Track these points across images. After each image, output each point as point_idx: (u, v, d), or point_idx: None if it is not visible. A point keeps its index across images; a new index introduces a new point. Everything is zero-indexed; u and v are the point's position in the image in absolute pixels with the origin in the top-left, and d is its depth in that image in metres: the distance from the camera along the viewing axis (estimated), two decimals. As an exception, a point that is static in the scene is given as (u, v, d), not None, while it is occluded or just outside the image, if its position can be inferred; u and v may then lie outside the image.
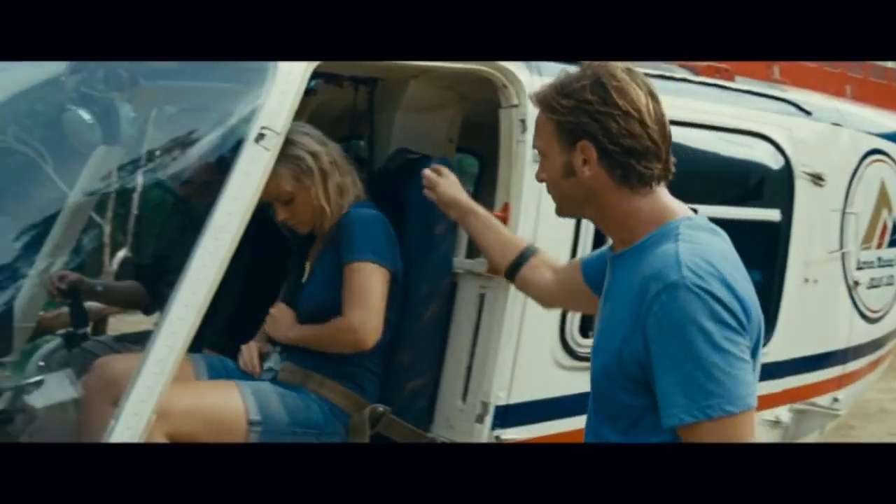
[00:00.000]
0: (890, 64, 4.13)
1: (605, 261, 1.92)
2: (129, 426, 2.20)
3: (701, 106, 3.19)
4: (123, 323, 5.61)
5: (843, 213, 3.66)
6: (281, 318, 2.82)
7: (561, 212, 1.92)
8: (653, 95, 1.79)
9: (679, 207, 1.82)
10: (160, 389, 2.23)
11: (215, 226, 2.27)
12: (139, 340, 3.47)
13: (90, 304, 3.49)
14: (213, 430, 2.54)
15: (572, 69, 1.83)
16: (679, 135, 3.08)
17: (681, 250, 1.67)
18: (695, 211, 1.84)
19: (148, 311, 3.63)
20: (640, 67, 3.03)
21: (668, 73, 3.21)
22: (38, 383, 2.68)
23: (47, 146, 2.89)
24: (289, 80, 2.37)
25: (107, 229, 7.61)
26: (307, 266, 2.91)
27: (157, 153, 2.80)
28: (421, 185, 2.93)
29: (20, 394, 2.69)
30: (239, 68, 2.42)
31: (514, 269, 2.34)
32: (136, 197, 3.28)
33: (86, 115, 2.65)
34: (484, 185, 4.30)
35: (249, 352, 2.87)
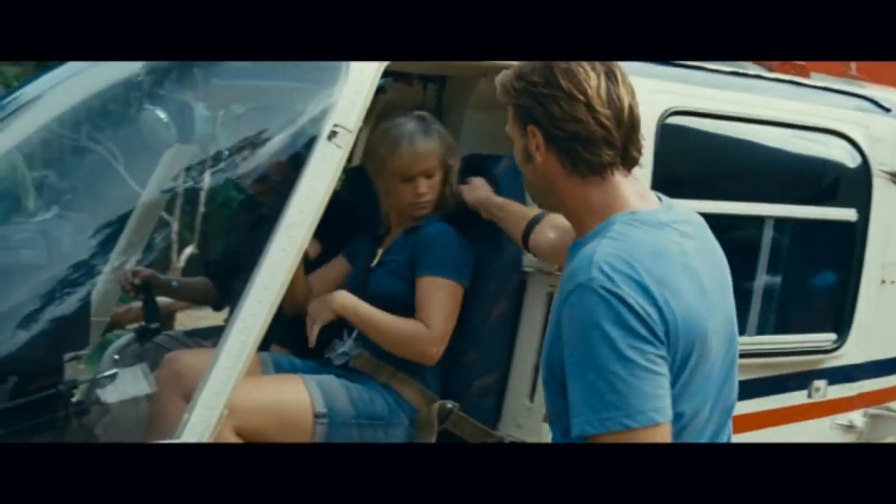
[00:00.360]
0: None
1: None
2: (203, 419, 2.24)
3: (775, 103, 3.13)
4: (189, 318, 5.71)
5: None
6: (323, 299, 2.79)
7: (534, 200, 1.90)
8: (612, 76, 1.70)
9: (633, 199, 1.72)
10: (232, 384, 2.26)
11: (288, 223, 2.29)
12: (209, 335, 3.53)
13: (160, 300, 3.55)
14: (280, 423, 2.58)
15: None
16: (752, 132, 3.10)
17: (599, 249, 1.60)
18: (660, 199, 1.77)
19: (217, 307, 3.68)
20: (715, 64, 3.02)
21: (741, 70, 3.16)
22: (113, 377, 2.74)
23: (122, 145, 2.96)
24: (361, 78, 2.39)
25: (175, 226, 7.76)
26: (378, 252, 2.93)
27: (230, 152, 2.85)
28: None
29: (95, 387, 2.75)
30: (311, 67, 2.44)
31: (526, 236, 2.40)
32: (202, 194, 3.34)
33: (161, 114, 2.70)
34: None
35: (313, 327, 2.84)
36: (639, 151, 1.75)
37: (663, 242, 1.65)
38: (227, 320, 3.45)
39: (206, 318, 5.91)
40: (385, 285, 2.83)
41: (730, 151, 3.06)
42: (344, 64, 2.38)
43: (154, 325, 3.27)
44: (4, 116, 2.75)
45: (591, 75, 1.68)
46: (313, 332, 2.76)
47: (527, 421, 2.78)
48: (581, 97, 1.66)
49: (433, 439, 2.68)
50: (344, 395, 2.68)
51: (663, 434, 1.56)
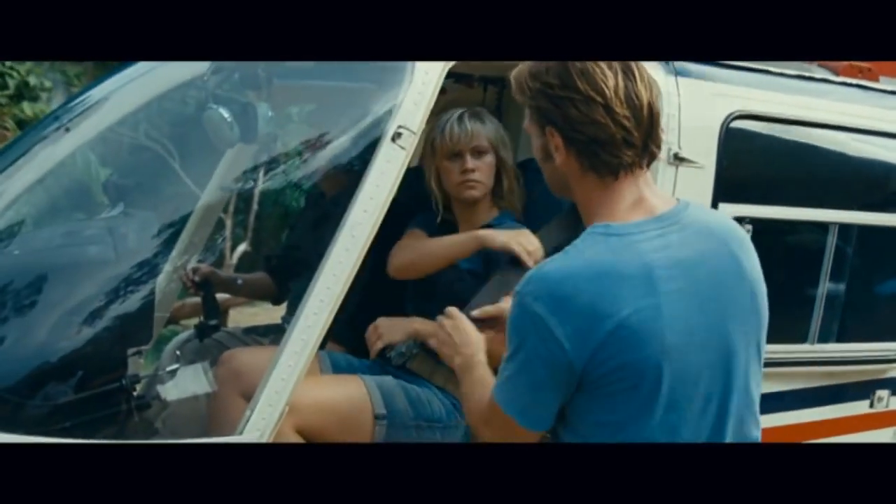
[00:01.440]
0: None
1: None
2: (264, 416, 2.26)
3: (841, 107, 3.08)
4: (241, 315, 5.77)
5: None
6: (392, 323, 2.73)
7: (556, 196, 1.89)
8: (629, 74, 1.69)
9: (626, 206, 1.72)
10: (294, 382, 2.28)
11: (352, 222, 2.30)
12: (267, 333, 3.57)
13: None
14: (341, 423, 2.59)
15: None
16: (818, 137, 3.04)
17: (548, 263, 1.67)
18: (677, 201, 1.77)
19: (276, 303, 3.72)
20: (781, 66, 2.97)
21: (807, 74, 3.11)
22: (174, 373, 2.78)
23: (186, 145, 3.00)
24: (426, 80, 2.40)
25: (228, 223, 7.86)
26: None
27: (293, 152, 2.88)
28: (543, 187, 2.92)
29: (157, 382, 2.79)
30: (376, 68, 2.45)
31: None
32: (262, 193, 3.38)
33: (225, 114, 2.73)
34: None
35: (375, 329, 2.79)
36: (658, 147, 1.74)
37: (616, 261, 1.65)
38: (284, 318, 3.50)
39: (257, 314, 5.96)
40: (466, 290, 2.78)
41: (794, 156, 3.02)
42: (409, 65, 2.39)
43: (213, 322, 3.31)
44: (75, 116, 2.79)
45: (608, 75, 1.66)
46: (376, 348, 2.70)
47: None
48: (599, 98, 1.65)
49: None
50: (403, 397, 2.69)
51: (521, 433, 1.74)
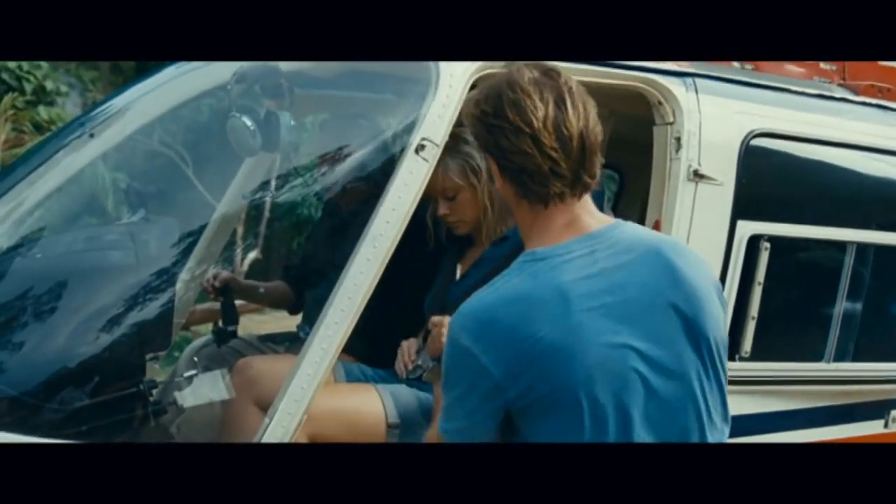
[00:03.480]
0: None
1: None
2: (283, 425, 2.28)
3: (860, 127, 3.09)
4: (251, 322, 5.81)
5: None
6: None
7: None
8: (561, 104, 1.70)
9: (556, 231, 1.74)
10: (313, 391, 2.30)
11: (373, 234, 2.32)
12: (282, 341, 3.59)
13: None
14: (354, 432, 2.61)
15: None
16: (837, 156, 3.05)
17: (475, 297, 1.74)
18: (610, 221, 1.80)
19: (293, 312, 3.73)
20: (801, 85, 2.98)
21: (827, 93, 3.12)
22: (191, 379, 2.79)
23: (207, 153, 3.02)
24: (449, 93, 2.41)
25: (239, 231, 7.90)
26: (458, 268, 2.93)
27: (315, 161, 2.90)
28: None
29: (174, 388, 2.80)
30: (400, 80, 2.48)
31: None
32: (279, 202, 3.40)
33: (248, 122, 2.75)
34: (624, 201, 4.26)
35: (409, 348, 2.86)
36: (592, 176, 1.75)
37: (535, 286, 1.69)
38: (299, 326, 3.52)
39: (266, 322, 5.99)
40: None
41: (813, 175, 3.02)
42: (433, 77, 2.41)
43: (232, 328, 3.33)
44: (99, 122, 2.82)
45: (538, 106, 1.67)
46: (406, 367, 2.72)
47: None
48: (527, 129, 1.68)
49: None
50: (416, 407, 2.70)
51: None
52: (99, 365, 2.54)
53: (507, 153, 1.70)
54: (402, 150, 2.37)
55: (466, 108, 1.80)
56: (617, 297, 1.69)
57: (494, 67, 2.54)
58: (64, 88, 11.11)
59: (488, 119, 1.71)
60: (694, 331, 1.73)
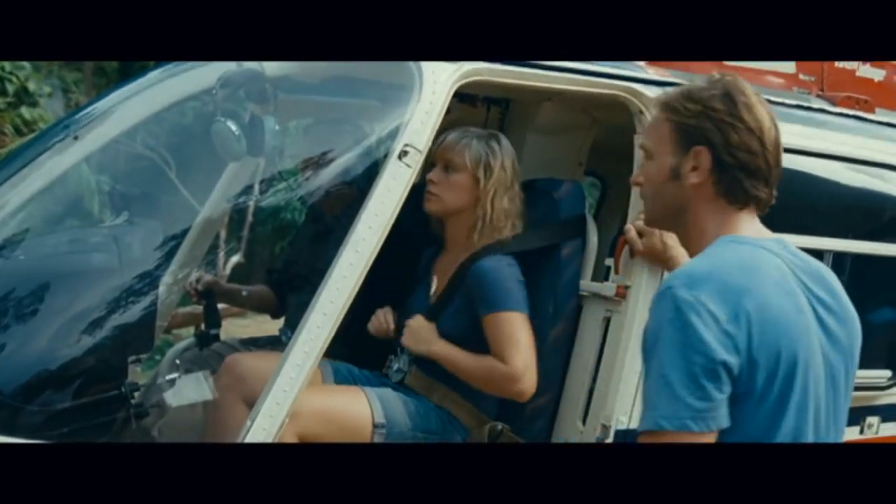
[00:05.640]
0: None
1: None
2: (265, 427, 2.29)
3: (838, 137, 3.13)
4: (232, 326, 5.81)
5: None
6: (421, 331, 2.82)
7: (651, 217, 1.93)
8: (775, 122, 1.82)
9: (746, 231, 1.80)
10: (295, 394, 2.31)
11: (356, 239, 2.34)
12: (264, 345, 3.59)
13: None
14: (341, 431, 2.63)
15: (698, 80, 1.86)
16: (815, 166, 3.09)
17: (688, 263, 1.77)
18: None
19: (276, 316, 3.74)
20: (781, 96, 3.02)
21: (805, 104, 3.16)
22: (173, 381, 2.80)
23: (192, 157, 3.04)
24: (433, 99, 2.43)
25: (222, 235, 7.89)
26: (434, 279, 2.96)
27: (299, 166, 2.92)
28: (546, 205, 2.98)
29: (156, 391, 2.81)
30: (385, 86, 2.50)
31: None
32: (262, 206, 3.41)
33: (233, 127, 2.77)
34: (606, 207, 4.30)
35: (385, 314, 2.92)
36: (771, 195, 1.84)
37: (757, 258, 1.73)
38: (282, 330, 3.53)
39: (248, 326, 5.99)
40: (452, 326, 2.82)
41: (790, 184, 3.01)
42: (417, 83, 2.43)
43: (214, 331, 3.34)
44: (84, 125, 2.83)
45: (765, 116, 1.80)
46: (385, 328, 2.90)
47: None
48: (757, 132, 1.78)
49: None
50: (402, 409, 2.73)
51: (697, 440, 1.62)
52: (81, 367, 2.56)
53: (733, 148, 1.77)
54: (386, 156, 2.39)
55: (673, 103, 1.83)
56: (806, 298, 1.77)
57: (479, 74, 2.58)
58: (47, 89, 11.05)
59: (719, 115, 1.77)
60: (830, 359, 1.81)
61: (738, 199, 1.80)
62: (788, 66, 3.35)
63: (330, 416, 2.62)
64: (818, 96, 3.31)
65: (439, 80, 2.47)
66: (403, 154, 2.38)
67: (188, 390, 2.79)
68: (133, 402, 2.65)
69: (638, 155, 2.55)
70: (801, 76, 3.36)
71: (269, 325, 4.21)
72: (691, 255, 1.85)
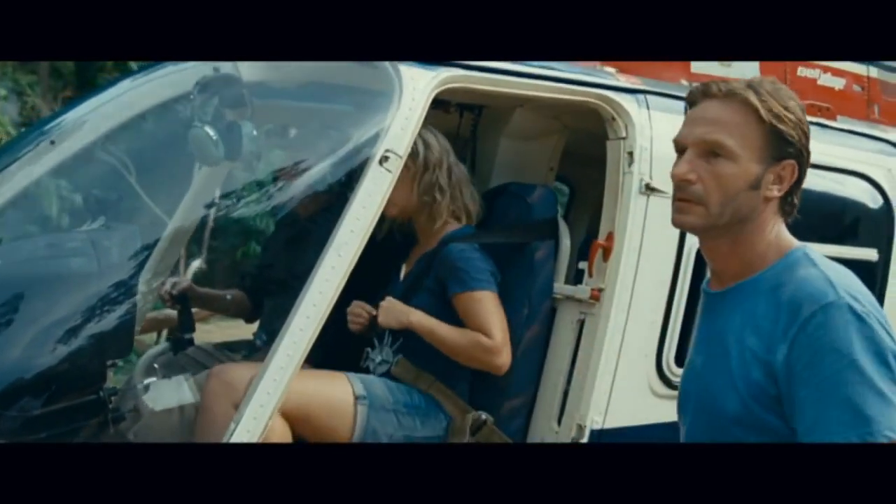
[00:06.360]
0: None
1: None
2: (248, 429, 2.31)
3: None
4: (199, 331, 5.81)
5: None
6: (395, 305, 2.88)
7: (712, 223, 1.69)
8: None
9: (789, 244, 1.74)
10: (279, 396, 2.34)
11: (339, 242, 2.37)
12: (237, 349, 3.62)
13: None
14: (324, 405, 2.71)
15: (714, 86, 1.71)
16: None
17: (828, 274, 1.62)
18: None
19: (250, 320, 3.76)
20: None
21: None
22: (149, 386, 2.82)
23: (168, 162, 3.05)
24: (412, 105, 2.48)
25: (198, 239, 7.84)
26: (403, 267, 3.06)
27: (277, 170, 2.94)
28: (519, 209, 3.04)
29: (135, 395, 2.82)
30: (365, 92, 2.53)
31: None
32: (226, 211, 3.41)
33: (211, 132, 2.79)
34: (574, 213, 4.37)
35: (360, 305, 2.96)
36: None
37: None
38: (256, 334, 3.55)
39: (212, 332, 5.99)
40: (422, 305, 2.90)
41: None
42: (397, 90, 2.47)
43: (189, 336, 3.35)
44: (61, 130, 2.84)
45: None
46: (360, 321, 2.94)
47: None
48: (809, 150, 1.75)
49: (464, 448, 2.76)
50: (382, 385, 2.84)
51: None
52: (60, 372, 2.56)
53: (806, 163, 1.71)
54: (366, 161, 2.42)
55: (776, 110, 1.66)
56: None
57: (457, 80, 2.63)
58: (2, 92, 10.90)
59: (803, 126, 1.70)
60: None
61: (791, 212, 1.74)
62: (750, 75, 3.43)
63: (312, 390, 2.68)
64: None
65: (418, 86, 2.51)
66: (384, 159, 2.42)
67: (168, 394, 2.80)
68: (111, 406, 2.66)
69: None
70: (764, 84, 3.45)
71: (234, 331, 4.25)
72: (733, 273, 1.74)
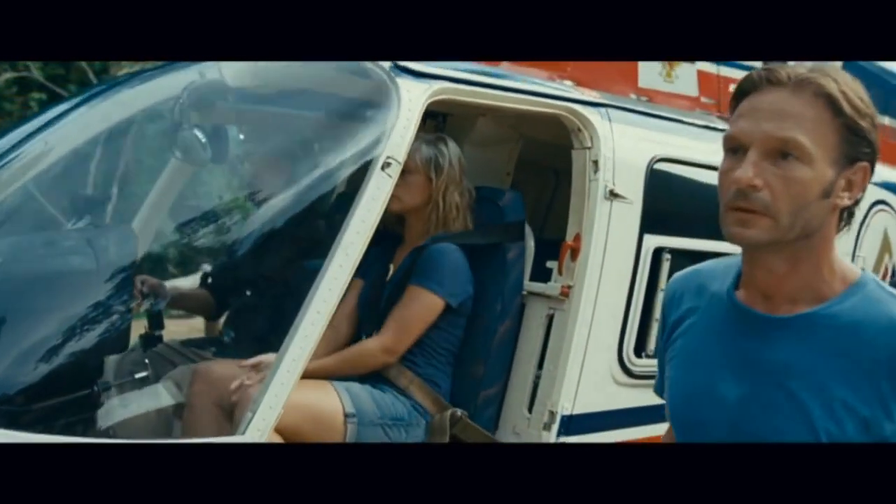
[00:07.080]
0: (887, 121, 4.54)
1: None
2: (265, 418, 2.44)
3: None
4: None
5: (854, 256, 4.04)
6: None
7: (781, 235, 1.41)
8: None
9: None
10: (292, 386, 2.48)
11: (346, 243, 2.53)
12: (203, 346, 3.69)
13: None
14: (315, 422, 2.81)
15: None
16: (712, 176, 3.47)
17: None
18: None
19: (213, 318, 3.84)
20: (691, 117, 3.37)
21: (712, 124, 3.56)
22: (142, 381, 2.91)
23: (158, 162, 3.13)
24: (409, 115, 2.66)
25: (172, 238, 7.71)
26: (391, 268, 3.21)
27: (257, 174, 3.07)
28: (491, 212, 3.25)
29: (127, 389, 2.91)
30: (366, 104, 2.70)
31: None
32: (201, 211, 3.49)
33: (199, 135, 2.91)
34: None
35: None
36: None
37: None
38: (223, 332, 3.65)
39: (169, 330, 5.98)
40: (392, 298, 3.08)
41: (705, 195, 3.40)
42: (395, 102, 2.65)
43: (158, 333, 3.41)
44: (54, 128, 2.89)
45: None
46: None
47: (525, 429, 3.08)
48: None
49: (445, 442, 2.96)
50: (369, 398, 2.95)
51: None
52: (60, 367, 2.62)
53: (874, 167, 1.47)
54: (370, 167, 2.59)
55: (861, 107, 1.42)
56: None
57: (447, 93, 2.82)
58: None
59: (876, 124, 1.47)
60: None
61: (848, 224, 1.49)
62: (691, 90, 3.75)
63: (304, 408, 2.77)
64: (719, 117, 3.72)
65: (413, 97, 2.70)
66: (386, 165, 2.60)
67: (145, 400, 2.90)
68: (101, 400, 2.75)
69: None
70: (702, 99, 3.77)
71: (185, 328, 4.30)
72: (791, 297, 1.48)
